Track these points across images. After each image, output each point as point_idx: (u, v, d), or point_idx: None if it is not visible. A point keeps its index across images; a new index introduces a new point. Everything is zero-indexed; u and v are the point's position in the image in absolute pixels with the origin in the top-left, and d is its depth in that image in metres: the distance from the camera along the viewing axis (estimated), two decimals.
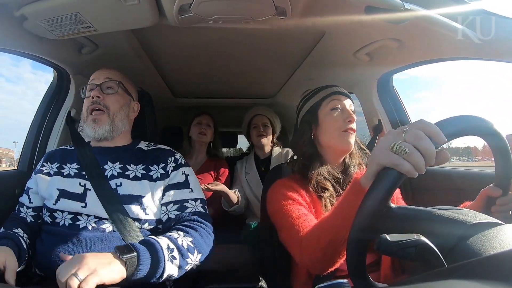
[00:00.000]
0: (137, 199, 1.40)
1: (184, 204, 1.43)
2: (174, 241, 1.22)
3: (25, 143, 2.10)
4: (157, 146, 1.61)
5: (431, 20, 1.30)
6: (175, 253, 1.19)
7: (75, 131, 1.64)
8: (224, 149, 4.36)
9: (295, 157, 1.59)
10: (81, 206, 1.37)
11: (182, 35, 1.78)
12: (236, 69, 2.48)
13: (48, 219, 1.41)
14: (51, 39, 1.55)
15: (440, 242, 0.71)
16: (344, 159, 1.50)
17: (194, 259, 1.26)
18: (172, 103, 3.37)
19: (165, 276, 1.15)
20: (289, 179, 1.46)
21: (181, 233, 1.28)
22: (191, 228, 1.33)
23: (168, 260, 1.15)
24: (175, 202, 1.43)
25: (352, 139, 1.42)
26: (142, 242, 1.16)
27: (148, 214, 1.40)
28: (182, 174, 1.50)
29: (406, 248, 0.72)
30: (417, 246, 0.72)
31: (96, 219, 1.35)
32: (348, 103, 1.47)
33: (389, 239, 0.73)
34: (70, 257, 1.06)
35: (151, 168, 1.48)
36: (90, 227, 1.34)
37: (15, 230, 1.37)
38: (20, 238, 1.35)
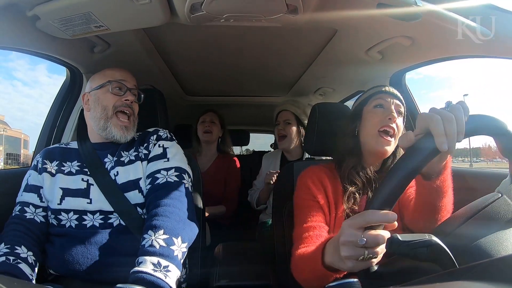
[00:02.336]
0: (133, 183, 1.41)
1: (155, 175, 1.41)
2: (152, 251, 1.15)
3: (39, 141, 2.13)
4: (145, 130, 1.61)
5: (444, 17, 1.28)
6: (163, 262, 1.13)
7: (83, 127, 1.63)
8: (237, 148, 4.37)
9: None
10: (87, 203, 1.37)
11: (193, 33, 1.79)
12: (247, 67, 2.48)
13: (54, 221, 1.40)
14: (64, 38, 1.57)
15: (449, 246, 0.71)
16: (384, 162, 1.46)
17: (179, 245, 1.21)
18: (183, 101, 3.38)
19: (175, 284, 1.14)
20: (322, 167, 1.48)
21: (151, 232, 1.21)
22: (156, 216, 1.26)
23: (165, 276, 1.11)
24: (148, 176, 1.43)
25: (389, 144, 1.37)
26: (134, 280, 1.09)
27: (145, 197, 1.40)
28: (160, 146, 1.49)
29: (417, 248, 0.71)
30: (428, 247, 0.71)
31: (102, 215, 1.36)
32: (394, 103, 1.42)
33: (400, 239, 0.73)
34: None
35: (139, 150, 1.50)
36: (97, 224, 1.35)
37: (18, 250, 1.26)
38: (23, 263, 1.24)
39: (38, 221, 1.40)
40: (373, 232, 0.77)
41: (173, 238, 1.21)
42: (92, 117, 1.51)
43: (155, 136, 1.53)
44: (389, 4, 1.28)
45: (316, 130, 1.77)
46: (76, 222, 1.36)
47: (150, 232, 1.21)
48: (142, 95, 1.58)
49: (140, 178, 1.42)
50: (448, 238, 0.77)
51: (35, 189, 1.45)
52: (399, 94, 1.46)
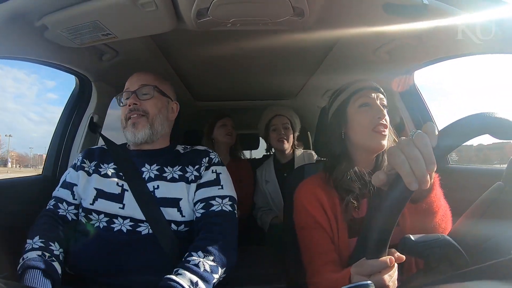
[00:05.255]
0: (174, 201, 1.41)
1: (210, 201, 1.41)
2: (195, 271, 1.17)
3: (50, 148, 2.15)
4: (193, 148, 1.60)
5: (452, 14, 1.27)
6: (201, 284, 1.15)
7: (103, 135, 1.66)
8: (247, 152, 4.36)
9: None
10: (119, 208, 1.38)
11: (200, 39, 1.80)
12: (255, 71, 2.49)
13: (83, 220, 1.41)
14: (72, 47, 1.58)
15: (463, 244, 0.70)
16: (376, 157, 1.42)
17: (219, 275, 1.24)
18: (193, 107, 3.39)
19: None
20: (314, 180, 1.43)
21: (201, 254, 1.23)
22: (210, 240, 1.29)
23: None
24: (201, 200, 1.42)
25: (384, 138, 1.33)
26: (166, 286, 1.11)
27: (184, 216, 1.41)
28: (213, 172, 1.49)
29: (430, 248, 0.71)
30: (441, 246, 0.71)
31: (132, 222, 1.36)
32: (378, 98, 1.38)
33: (413, 239, 0.73)
34: None
35: (187, 169, 1.48)
36: (125, 230, 1.35)
37: (52, 247, 1.30)
38: (56, 261, 1.27)
39: (70, 218, 1.44)
40: (378, 275, 0.81)
41: (219, 267, 1.24)
42: None
43: (207, 159, 1.52)
44: (395, 4, 1.28)
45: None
46: (105, 224, 1.37)
47: (200, 253, 1.24)
48: (155, 86, 1.54)
49: (181, 199, 1.42)
50: (461, 238, 0.77)
51: (70, 186, 1.49)
52: (378, 86, 1.42)
